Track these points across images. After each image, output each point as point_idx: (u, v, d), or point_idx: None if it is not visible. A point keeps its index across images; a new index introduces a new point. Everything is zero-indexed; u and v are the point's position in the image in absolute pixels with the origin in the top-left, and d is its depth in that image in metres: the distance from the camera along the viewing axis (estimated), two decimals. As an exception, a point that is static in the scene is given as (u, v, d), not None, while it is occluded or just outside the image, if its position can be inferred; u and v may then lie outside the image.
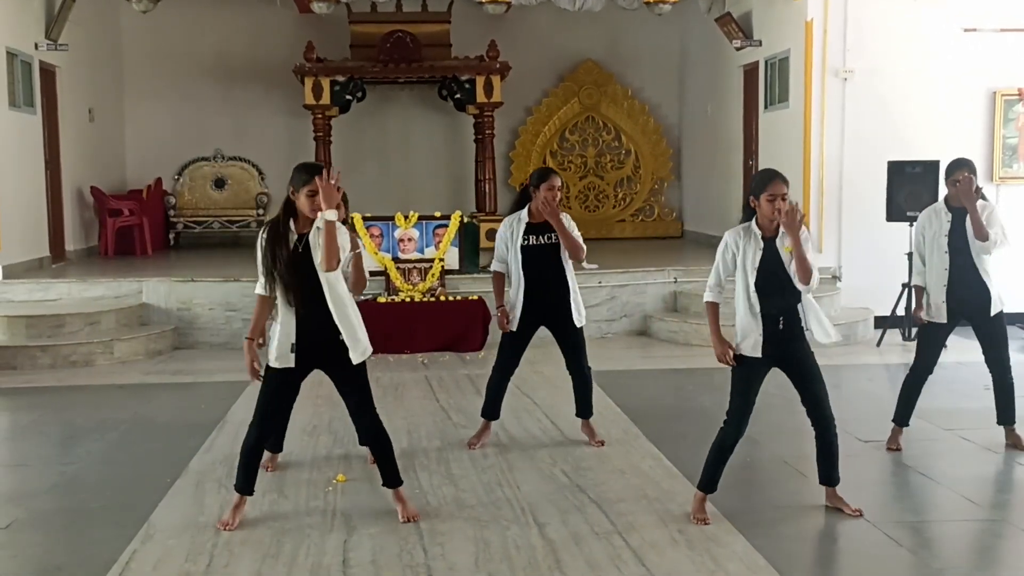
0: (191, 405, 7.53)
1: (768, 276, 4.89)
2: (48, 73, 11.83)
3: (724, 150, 13.67)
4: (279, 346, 4.87)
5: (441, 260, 10.09)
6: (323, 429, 6.82)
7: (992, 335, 6.24)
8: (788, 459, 6.09)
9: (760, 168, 12.22)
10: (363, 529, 4.91)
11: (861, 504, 5.17)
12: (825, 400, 5.13)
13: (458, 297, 9.94)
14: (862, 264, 10.67)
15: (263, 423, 4.98)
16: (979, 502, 5.38)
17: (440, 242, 10.15)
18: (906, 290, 9.82)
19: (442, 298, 9.89)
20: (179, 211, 14.44)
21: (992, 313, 6.16)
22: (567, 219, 6.08)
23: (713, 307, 5.11)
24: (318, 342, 4.86)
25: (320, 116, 12.83)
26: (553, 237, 6.06)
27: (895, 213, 9.90)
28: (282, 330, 4.88)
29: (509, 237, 6.12)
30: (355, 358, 4.92)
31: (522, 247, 6.06)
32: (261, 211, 14.56)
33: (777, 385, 7.49)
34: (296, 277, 4.79)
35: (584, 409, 6.44)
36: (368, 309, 9.63)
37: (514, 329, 6.16)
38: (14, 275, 10.34)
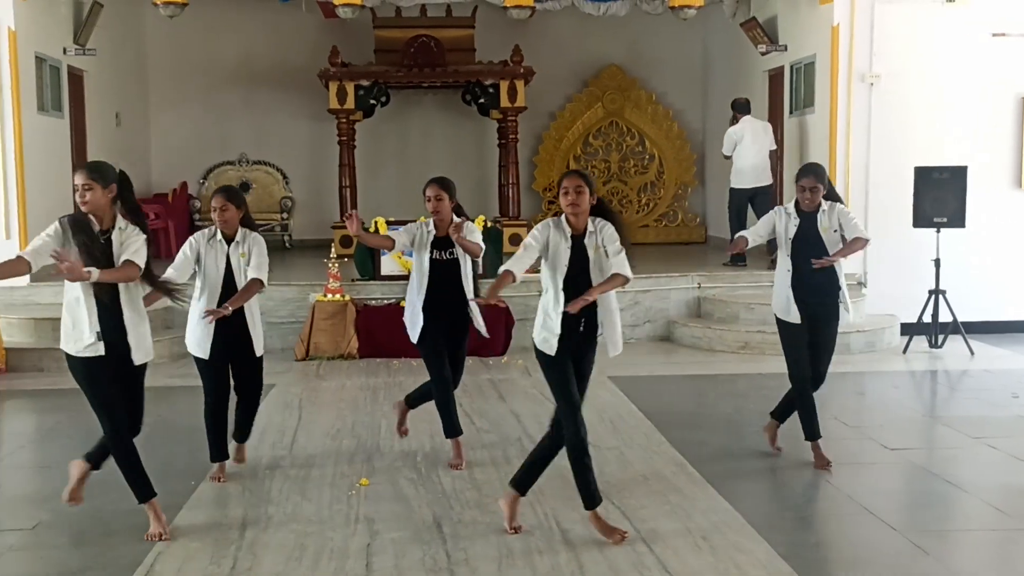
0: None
1: (579, 274, 4.83)
2: (76, 78, 11.93)
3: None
4: (86, 335, 4.84)
5: (464, 265, 10.07)
6: (346, 433, 6.84)
7: (824, 343, 6.06)
8: (812, 466, 6.04)
9: (791, 173, 12.17)
10: (386, 533, 4.91)
11: (889, 512, 5.13)
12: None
13: (481, 301, 9.93)
14: (888, 270, 10.59)
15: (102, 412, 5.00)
16: (1007, 511, 5.31)
17: (463, 247, 10.13)
18: (932, 296, 9.75)
19: (465, 302, 9.87)
20: (204, 215, 14.52)
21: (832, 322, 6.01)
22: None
23: (508, 275, 4.79)
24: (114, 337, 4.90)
25: (344, 120, 12.88)
26: (453, 253, 6.03)
27: (922, 219, 9.82)
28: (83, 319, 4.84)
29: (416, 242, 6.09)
30: (137, 358, 4.98)
31: (430, 260, 6.02)
32: (285, 215, 14.62)
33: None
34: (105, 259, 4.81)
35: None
36: (391, 313, 9.67)
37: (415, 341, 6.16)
38: (40, 278, 10.37)
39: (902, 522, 5.10)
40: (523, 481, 4.98)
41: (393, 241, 6.10)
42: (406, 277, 9.92)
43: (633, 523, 5.01)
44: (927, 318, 9.82)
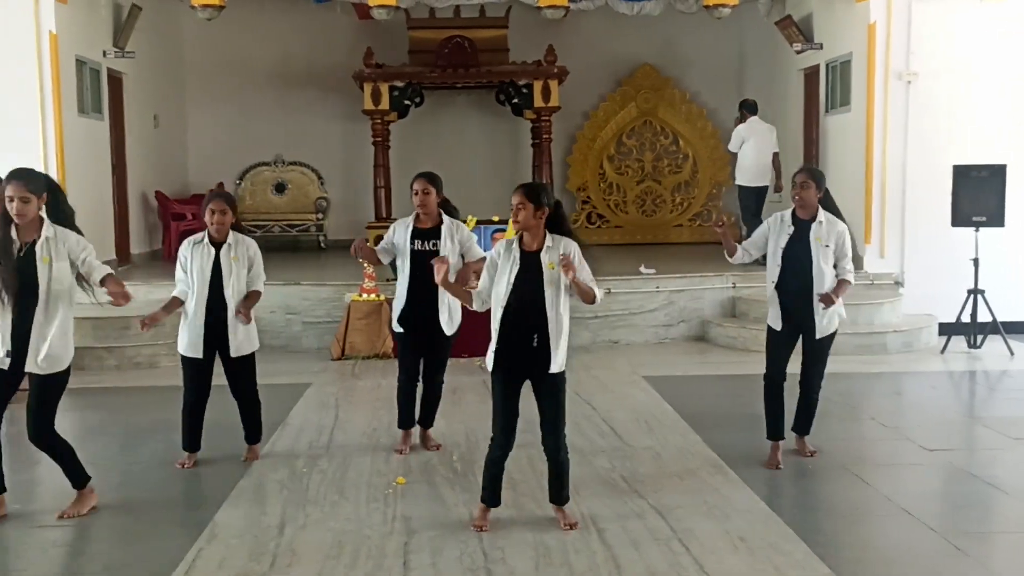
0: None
1: (523, 288, 4.82)
2: (115, 80, 12.08)
3: (782, 154, 13.47)
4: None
5: (498, 264, 10.11)
6: (382, 432, 6.88)
7: (814, 352, 6.05)
8: (848, 466, 6.01)
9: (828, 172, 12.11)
10: (423, 532, 4.94)
11: (927, 513, 5.10)
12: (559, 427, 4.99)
13: (515, 301, 9.95)
14: (926, 270, 10.49)
15: None
16: (1048, 513, 5.27)
17: (497, 246, 10.17)
18: (971, 296, 9.66)
19: (499, 302, 9.90)
20: (240, 215, 14.59)
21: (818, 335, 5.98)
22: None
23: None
24: (23, 347, 5.00)
25: (379, 121, 12.94)
26: (436, 244, 6.14)
27: (960, 218, 9.73)
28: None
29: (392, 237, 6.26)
30: (35, 367, 5.03)
31: (412, 251, 6.14)
32: (320, 215, 14.72)
33: (838, 392, 7.41)
34: (16, 281, 4.95)
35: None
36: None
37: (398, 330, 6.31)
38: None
39: (941, 523, 5.06)
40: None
41: (382, 257, 6.33)
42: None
43: (669, 522, 5.01)
44: (966, 318, 9.73)
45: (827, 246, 5.90)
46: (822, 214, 5.96)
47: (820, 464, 6.10)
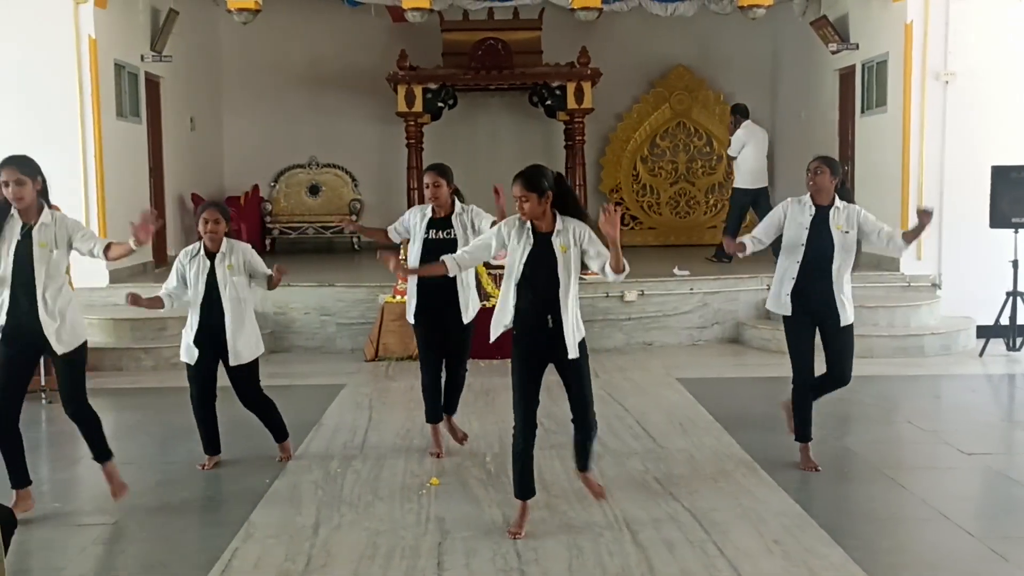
0: (287, 408, 7.66)
1: (536, 270, 4.83)
2: (152, 84, 12.22)
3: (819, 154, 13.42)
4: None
5: (532, 266, 10.11)
6: (416, 433, 6.90)
7: (835, 342, 5.96)
8: (886, 470, 5.95)
9: (863, 174, 11.99)
10: (456, 533, 4.96)
11: (966, 518, 5.05)
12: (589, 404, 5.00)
13: (548, 303, 9.94)
14: (964, 272, 10.37)
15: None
16: (1090, 519, 5.19)
17: (531, 248, 10.18)
18: (1010, 298, 9.54)
19: (532, 304, 9.90)
20: (275, 217, 14.75)
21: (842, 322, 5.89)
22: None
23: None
24: (33, 329, 5.11)
25: (412, 123, 13.00)
26: (451, 233, 6.16)
27: (999, 219, 9.62)
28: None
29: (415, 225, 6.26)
30: (58, 348, 5.14)
31: (423, 240, 6.17)
32: (354, 217, 14.79)
33: (874, 395, 7.36)
34: (16, 265, 5.07)
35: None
36: (459, 314, 9.75)
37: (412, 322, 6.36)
38: (119, 279, 10.68)
39: (980, 528, 5.00)
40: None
41: (385, 232, 6.46)
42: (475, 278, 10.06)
43: (703, 525, 4.99)
44: (1004, 320, 9.60)
45: (846, 232, 5.84)
46: (838, 201, 5.90)
47: (856, 467, 6.06)
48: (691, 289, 10.35)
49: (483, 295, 9.91)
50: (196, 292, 5.96)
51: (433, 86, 12.90)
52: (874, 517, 5.24)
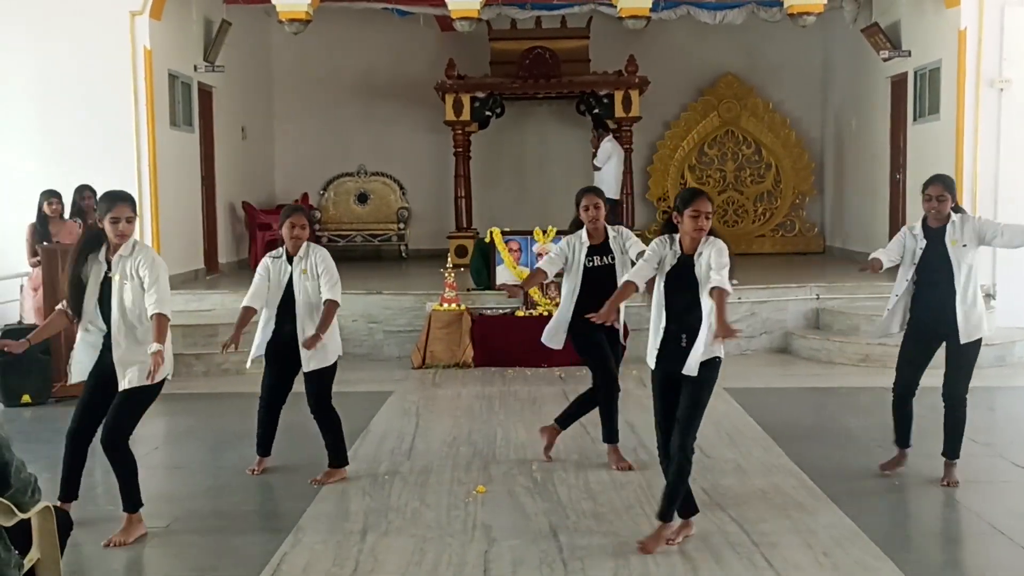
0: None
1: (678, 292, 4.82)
2: (205, 94, 12.40)
3: (868, 164, 13.29)
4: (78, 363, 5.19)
5: (579, 275, 10.11)
6: (463, 440, 6.93)
7: (952, 361, 5.89)
8: (936, 482, 5.86)
9: (914, 183, 11.85)
10: (503, 540, 4.96)
11: (1021, 533, 4.95)
12: (689, 425, 4.89)
13: (595, 312, 9.92)
14: (1019, 282, 10.18)
15: (74, 420, 5.24)
16: None
17: (578, 257, 10.18)
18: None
19: (579, 313, 9.89)
20: (324, 225, 14.89)
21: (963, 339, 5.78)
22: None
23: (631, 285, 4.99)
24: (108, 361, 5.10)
25: (460, 132, 13.06)
26: (609, 258, 6.11)
27: (1055, 229, 9.42)
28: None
29: (568, 254, 6.19)
30: (124, 382, 5.06)
31: (585, 268, 6.11)
32: (402, 225, 14.88)
33: (928, 407, 7.25)
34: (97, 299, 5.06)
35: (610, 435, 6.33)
36: (506, 323, 9.77)
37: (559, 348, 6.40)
38: (172, 286, 10.56)
39: (1037, 544, 4.91)
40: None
41: (546, 274, 6.30)
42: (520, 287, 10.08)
43: (751, 536, 4.95)
44: (1061, 332, 9.42)
45: (964, 245, 5.76)
46: (953, 216, 5.82)
47: (909, 480, 5.97)
48: (740, 299, 10.26)
49: (530, 303, 9.94)
50: (275, 295, 5.99)
51: (481, 95, 12.95)
52: (927, 531, 5.17)
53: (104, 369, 5.10)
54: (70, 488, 5.30)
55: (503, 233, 10.30)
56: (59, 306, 5.20)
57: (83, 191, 9.37)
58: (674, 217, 4.91)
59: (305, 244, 6.02)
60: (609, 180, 12.38)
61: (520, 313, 9.92)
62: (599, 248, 6.15)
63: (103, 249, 5.09)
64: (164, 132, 10.99)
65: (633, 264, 5.69)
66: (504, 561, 4.70)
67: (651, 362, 4.97)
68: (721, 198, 14.83)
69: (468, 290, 10.37)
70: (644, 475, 6.04)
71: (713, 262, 4.78)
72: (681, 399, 4.88)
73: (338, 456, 6.11)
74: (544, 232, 10.22)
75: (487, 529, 5.13)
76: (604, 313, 4.95)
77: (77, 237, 8.17)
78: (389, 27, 14.27)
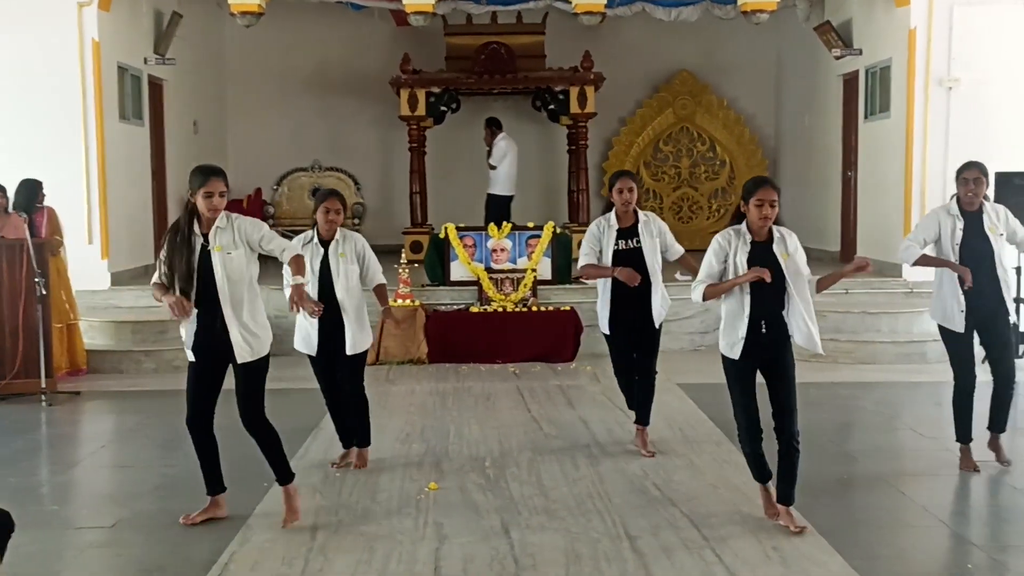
0: (286, 411, 7.63)
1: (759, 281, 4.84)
2: (156, 87, 12.23)
3: (821, 161, 13.42)
4: (185, 340, 5.15)
5: (533, 270, 10.12)
6: (415, 437, 6.89)
7: (997, 343, 5.98)
8: (887, 477, 5.93)
9: (865, 181, 11.98)
10: (454, 538, 4.93)
11: (968, 527, 5.02)
12: (793, 412, 5.01)
13: (550, 307, 9.94)
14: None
15: (189, 406, 5.27)
16: (1091, 527, 5.16)
17: (532, 252, 10.20)
18: (1015, 306, 9.48)
19: (534, 308, 9.90)
20: (278, 220, 14.75)
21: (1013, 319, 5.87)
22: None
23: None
24: (217, 339, 5.05)
25: (415, 127, 12.99)
26: (635, 242, 6.21)
27: (1002, 226, 9.58)
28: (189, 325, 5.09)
29: (600, 238, 6.27)
30: (240, 356, 5.10)
31: (614, 252, 6.20)
32: (356, 220, 14.79)
33: (875, 402, 7.32)
34: (195, 277, 4.97)
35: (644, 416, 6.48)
36: (460, 319, 9.75)
37: (608, 332, 6.36)
38: (121, 282, 10.70)
39: (981, 536, 4.99)
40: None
41: (597, 263, 6.29)
42: (475, 283, 10.08)
43: (702, 532, 4.97)
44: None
45: (1001, 234, 5.79)
46: (987, 204, 5.83)
47: (857, 474, 6.03)
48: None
49: (485, 299, 9.92)
50: (311, 281, 5.87)
51: (436, 90, 12.89)
52: (875, 525, 5.22)
53: (208, 345, 5.06)
54: (213, 480, 5.28)
55: (458, 229, 10.28)
56: (156, 283, 5.08)
57: None
58: (741, 206, 4.97)
59: (340, 229, 5.95)
60: (503, 178, 12.66)
61: (475, 309, 9.91)
62: (627, 232, 6.24)
63: (196, 224, 5.02)
64: (113, 126, 10.81)
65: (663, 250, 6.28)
66: (455, 559, 4.68)
67: (735, 354, 4.96)
68: (676, 194, 14.91)
69: (423, 286, 10.33)
70: (597, 470, 6.05)
71: (799, 261, 4.93)
72: (779, 389, 5.00)
73: (366, 435, 6.21)
74: (499, 228, 10.21)
75: (438, 527, 5.10)
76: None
77: (22, 233, 8.02)
78: (344, 21, 14.16)
